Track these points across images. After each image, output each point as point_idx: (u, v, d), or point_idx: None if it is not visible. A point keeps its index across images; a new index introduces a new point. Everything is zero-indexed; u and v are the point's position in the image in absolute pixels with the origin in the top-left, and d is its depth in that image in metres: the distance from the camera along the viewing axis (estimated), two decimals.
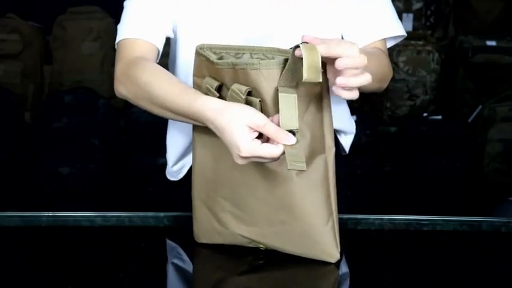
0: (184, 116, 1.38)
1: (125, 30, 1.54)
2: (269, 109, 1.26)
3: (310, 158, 1.28)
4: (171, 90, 1.42)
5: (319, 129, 1.32)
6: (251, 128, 1.24)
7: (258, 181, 1.30)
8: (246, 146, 1.23)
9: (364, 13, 1.55)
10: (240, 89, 1.27)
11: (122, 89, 1.51)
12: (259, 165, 1.29)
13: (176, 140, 1.63)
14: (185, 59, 1.55)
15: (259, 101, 1.26)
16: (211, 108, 1.29)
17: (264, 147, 1.23)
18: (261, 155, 1.23)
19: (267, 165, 1.29)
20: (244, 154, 1.24)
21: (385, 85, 1.59)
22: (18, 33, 3.78)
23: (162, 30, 1.54)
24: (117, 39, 1.55)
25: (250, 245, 1.36)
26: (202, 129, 1.35)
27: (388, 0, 1.59)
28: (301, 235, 1.29)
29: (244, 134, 1.24)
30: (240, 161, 1.26)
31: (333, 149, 1.32)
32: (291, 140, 1.24)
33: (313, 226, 1.28)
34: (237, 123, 1.25)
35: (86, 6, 3.85)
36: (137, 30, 1.53)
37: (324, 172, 1.29)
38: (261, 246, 1.35)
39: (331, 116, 1.33)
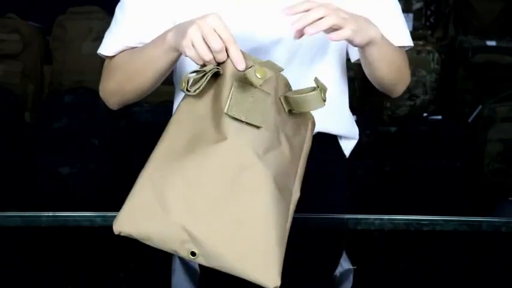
0: (154, 48, 1.39)
1: (114, 47, 1.53)
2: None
3: (286, 179, 1.27)
4: (141, 47, 1.45)
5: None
6: None
7: (229, 175, 1.23)
8: (213, 18, 1.26)
9: (375, 20, 1.55)
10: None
11: (109, 94, 1.53)
12: (237, 161, 1.24)
13: None
14: (183, 69, 1.55)
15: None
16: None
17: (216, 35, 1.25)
18: (219, 28, 1.24)
19: (244, 164, 1.23)
20: (200, 20, 1.25)
21: (401, 86, 1.59)
22: (18, 33, 3.78)
23: None
24: (101, 50, 1.54)
25: (180, 250, 1.22)
26: (182, 114, 1.31)
27: (398, 10, 1.59)
28: (250, 244, 1.20)
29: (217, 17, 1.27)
30: (191, 29, 1.26)
31: (298, 193, 1.30)
32: (241, 65, 1.25)
33: (266, 239, 1.21)
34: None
35: (86, 6, 3.85)
36: (121, 50, 1.53)
37: (291, 203, 1.28)
38: (195, 250, 1.22)
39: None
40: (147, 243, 1.24)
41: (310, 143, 1.35)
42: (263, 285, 1.19)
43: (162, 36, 1.38)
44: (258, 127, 1.24)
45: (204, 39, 1.26)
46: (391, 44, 1.50)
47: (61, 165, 3.47)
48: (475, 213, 3.17)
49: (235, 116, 1.25)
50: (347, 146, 1.68)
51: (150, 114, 3.52)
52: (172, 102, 1.65)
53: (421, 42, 3.76)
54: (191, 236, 1.21)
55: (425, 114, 3.76)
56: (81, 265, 1.34)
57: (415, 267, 1.37)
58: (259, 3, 1.51)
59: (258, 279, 1.19)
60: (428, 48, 3.77)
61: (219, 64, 1.28)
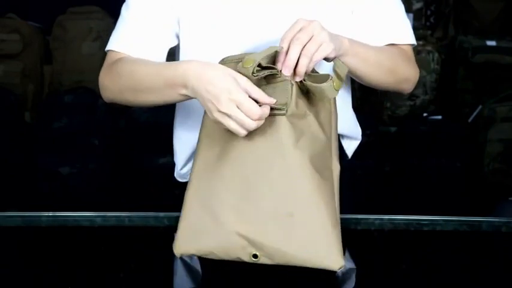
0: (169, 87, 1.38)
1: (119, 42, 1.53)
2: None
3: (323, 158, 1.28)
4: (154, 68, 1.43)
5: (329, 133, 1.33)
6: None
7: (268, 172, 1.26)
8: (238, 90, 1.25)
9: (377, 17, 1.55)
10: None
11: (107, 90, 1.52)
12: (271, 156, 1.26)
13: (184, 143, 1.63)
14: None
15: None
16: (197, 63, 1.32)
17: (250, 100, 1.25)
18: (246, 106, 1.24)
19: (279, 158, 1.26)
20: (234, 96, 1.24)
21: (405, 84, 1.60)
22: (18, 33, 3.78)
23: (158, 45, 1.53)
24: (110, 47, 1.54)
25: (242, 255, 1.26)
26: (209, 127, 1.34)
27: (399, 8, 1.59)
28: (307, 232, 1.24)
29: (235, 82, 1.26)
30: (216, 114, 1.25)
31: (338, 168, 1.33)
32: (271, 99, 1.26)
33: (321, 224, 1.24)
34: (228, 72, 1.27)
35: (86, 6, 3.84)
36: (131, 45, 1.52)
37: (334, 180, 1.31)
38: (256, 252, 1.25)
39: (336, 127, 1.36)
40: (210, 257, 1.26)
41: (337, 115, 1.38)
42: (329, 269, 1.23)
43: (180, 80, 1.36)
44: (284, 113, 1.27)
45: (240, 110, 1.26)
46: (371, 49, 1.49)
47: (61, 165, 3.47)
48: (475, 213, 3.17)
49: None
50: (349, 147, 1.68)
51: (150, 114, 3.51)
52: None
53: (421, 42, 3.76)
54: (249, 240, 1.24)
55: (425, 114, 3.76)
56: (81, 265, 1.34)
57: (415, 267, 1.37)
58: (261, 1, 1.51)
59: (323, 263, 1.23)
60: (428, 48, 3.77)
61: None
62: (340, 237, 1.25)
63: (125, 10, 1.56)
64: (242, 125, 1.25)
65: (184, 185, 1.65)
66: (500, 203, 3.41)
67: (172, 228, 1.52)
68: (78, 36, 3.78)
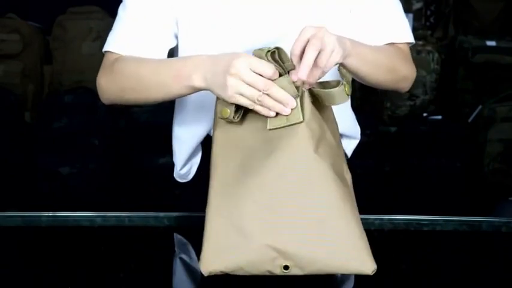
0: (177, 80, 1.38)
1: (118, 44, 1.53)
2: None
3: (339, 165, 1.30)
4: (160, 63, 1.44)
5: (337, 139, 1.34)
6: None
7: (292, 180, 1.25)
8: (250, 57, 1.26)
9: (375, 16, 1.55)
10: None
11: (106, 91, 1.52)
12: (294, 164, 1.25)
13: (182, 143, 1.63)
14: None
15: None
16: (206, 55, 1.34)
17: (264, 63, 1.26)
18: (259, 70, 1.25)
19: (302, 165, 1.26)
20: (241, 61, 1.25)
21: (403, 83, 1.60)
22: (18, 33, 3.78)
23: (157, 47, 1.53)
24: (108, 48, 1.54)
25: (273, 268, 1.24)
26: (223, 142, 1.33)
27: (398, 7, 1.59)
28: (337, 238, 1.23)
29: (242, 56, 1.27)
30: (230, 83, 1.26)
31: (349, 174, 1.35)
32: (292, 103, 1.26)
33: (349, 229, 1.24)
34: (234, 53, 1.29)
35: (86, 6, 3.85)
36: (130, 47, 1.52)
37: (350, 187, 1.32)
38: (287, 263, 1.24)
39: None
40: (240, 273, 1.25)
41: (337, 123, 1.38)
42: (363, 274, 1.23)
43: (184, 73, 1.37)
44: (301, 122, 1.27)
45: (248, 84, 1.26)
46: (370, 49, 1.49)
47: (61, 165, 3.47)
48: (475, 213, 3.17)
49: (278, 127, 1.28)
50: (348, 146, 1.68)
51: (150, 114, 3.52)
52: (172, 103, 1.65)
53: (421, 42, 3.76)
54: (279, 251, 1.23)
55: (425, 114, 3.76)
56: (81, 265, 1.34)
57: (415, 267, 1.37)
58: (260, 1, 1.50)
59: (357, 269, 1.24)
60: (428, 48, 3.77)
61: None
62: (367, 241, 1.25)
63: (122, 11, 1.55)
64: (261, 99, 1.26)
65: (184, 185, 1.66)
66: (500, 203, 3.41)
67: (172, 228, 1.52)
68: (78, 36, 3.78)
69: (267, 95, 1.26)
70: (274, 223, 1.24)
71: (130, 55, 1.50)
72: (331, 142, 1.32)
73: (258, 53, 1.29)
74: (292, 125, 1.27)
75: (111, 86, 1.51)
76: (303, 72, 1.27)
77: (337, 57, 1.32)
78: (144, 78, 1.45)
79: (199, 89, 1.37)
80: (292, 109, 1.27)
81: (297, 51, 1.29)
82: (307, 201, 1.24)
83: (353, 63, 1.43)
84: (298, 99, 1.28)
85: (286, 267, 1.24)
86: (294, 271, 1.24)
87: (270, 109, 1.27)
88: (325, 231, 1.24)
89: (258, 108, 1.28)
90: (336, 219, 1.24)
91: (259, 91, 1.26)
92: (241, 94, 1.27)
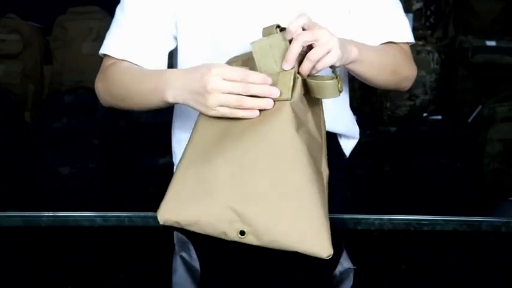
0: (152, 94, 1.40)
1: (117, 47, 1.53)
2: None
3: (317, 158, 1.30)
4: (140, 76, 1.46)
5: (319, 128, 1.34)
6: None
7: (268, 152, 1.26)
8: (219, 67, 1.27)
9: (375, 16, 1.56)
10: None
11: (102, 95, 1.56)
12: (272, 137, 1.27)
13: (183, 144, 1.63)
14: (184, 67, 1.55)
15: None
16: (178, 71, 1.37)
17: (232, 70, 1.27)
18: (233, 77, 1.26)
19: (280, 139, 1.27)
20: (213, 76, 1.26)
21: (405, 83, 1.61)
22: (18, 33, 3.78)
23: (157, 50, 1.53)
24: (106, 51, 1.54)
25: (229, 231, 1.24)
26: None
27: (398, 6, 1.59)
28: (299, 216, 1.23)
29: (208, 71, 1.28)
30: (210, 101, 1.27)
31: (327, 171, 1.34)
32: (275, 92, 1.27)
33: (313, 211, 1.24)
34: (203, 67, 1.31)
35: (86, 6, 3.85)
36: (129, 51, 1.52)
37: (324, 181, 1.32)
38: (244, 229, 1.24)
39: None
40: (193, 229, 1.26)
41: (325, 126, 1.39)
42: (317, 255, 1.23)
43: (159, 88, 1.39)
44: (287, 100, 1.27)
45: (227, 93, 1.27)
46: (375, 52, 1.50)
47: (61, 165, 3.47)
48: (475, 213, 3.17)
49: None
50: (347, 146, 1.68)
51: (150, 114, 3.52)
52: None
53: (421, 42, 3.76)
54: (239, 214, 1.23)
55: (425, 114, 3.76)
56: (81, 265, 1.34)
57: (415, 267, 1.37)
58: (258, 2, 1.50)
59: (311, 249, 1.23)
60: (428, 48, 3.77)
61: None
62: (329, 229, 1.25)
63: (120, 13, 1.54)
64: (239, 103, 1.27)
65: None
66: (500, 203, 3.41)
67: (172, 228, 1.52)
68: (78, 36, 3.78)
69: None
70: (242, 188, 1.24)
71: (124, 62, 1.51)
72: (313, 133, 1.32)
73: (268, 30, 1.31)
74: (279, 100, 1.28)
75: (105, 92, 1.53)
76: (285, 63, 1.29)
77: (333, 59, 1.31)
78: (129, 88, 1.47)
79: (176, 103, 1.39)
80: (283, 87, 1.28)
81: (293, 29, 1.30)
82: (278, 175, 1.25)
83: (359, 69, 1.44)
84: (292, 77, 1.28)
85: (242, 233, 1.24)
86: (249, 238, 1.24)
87: (253, 108, 1.28)
88: (288, 206, 1.24)
89: (241, 114, 1.28)
90: (301, 197, 1.24)
91: (238, 94, 1.27)
92: (221, 105, 1.28)
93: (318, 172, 1.30)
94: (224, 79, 1.27)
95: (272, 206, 1.24)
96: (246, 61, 1.34)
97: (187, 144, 1.33)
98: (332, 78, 1.29)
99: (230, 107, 1.28)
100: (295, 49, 1.28)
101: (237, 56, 1.38)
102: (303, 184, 1.25)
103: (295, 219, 1.24)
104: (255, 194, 1.24)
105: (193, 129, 1.34)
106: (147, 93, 1.42)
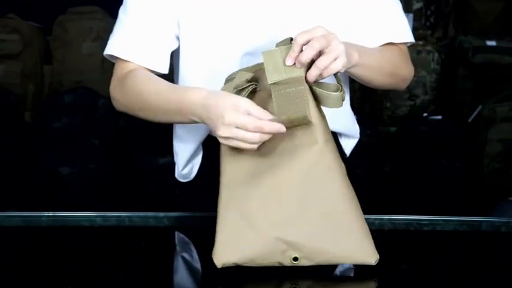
0: (176, 113, 1.40)
1: (121, 47, 1.53)
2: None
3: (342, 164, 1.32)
4: (161, 93, 1.45)
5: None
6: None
7: (300, 174, 1.29)
8: (231, 114, 1.27)
9: (374, 16, 1.56)
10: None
11: (118, 103, 1.55)
12: (302, 160, 1.28)
13: (184, 144, 1.63)
14: (185, 69, 1.55)
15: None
16: (199, 95, 1.35)
17: (248, 117, 1.26)
18: (240, 122, 1.26)
19: (310, 158, 1.29)
20: (226, 119, 1.26)
21: (402, 83, 1.62)
22: (18, 33, 3.78)
23: (160, 50, 1.53)
24: (110, 52, 1.54)
25: (283, 260, 1.27)
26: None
27: (397, 6, 1.59)
28: (343, 230, 1.27)
29: (231, 107, 1.28)
30: (221, 131, 1.27)
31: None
32: (281, 128, 1.27)
33: (355, 222, 1.29)
34: (226, 99, 1.29)
35: (86, 6, 3.84)
36: (133, 51, 1.52)
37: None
38: (296, 255, 1.27)
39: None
40: (251, 264, 1.28)
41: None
42: (366, 263, 1.28)
43: (183, 111, 1.39)
44: (308, 121, 1.29)
45: (240, 140, 1.28)
46: (375, 55, 1.50)
47: (61, 165, 3.47)
48: (475, 213, 3.17)
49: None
50: (347, 145, 1.69)
51: None
52: None
53: (421, 42, 3.76)
54: (288, 243, 1.27)
55: (425, 114, 3.76)
56: (81, 265, 1.34)
57: (415, 267, 1.37)
58: (260, 2, 1.50)
59: (360, 259, 1.28)
60: (428, 48, 3.77)
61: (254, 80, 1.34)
62: (369, 233, 1.30)
63: (123, 13, 1.54)
64: (245, 140, 1.27)
65: (185, 185, 1.66)
66: (500, 203, 3.41)
67: (172, 228, 1.52)
68: (78, 36, 3.78)
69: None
70: (282, 216, 1.27)
71: (140, 70, 1.50)
72: (333, 143, 1.34)
73: (282, 44, 1.31)
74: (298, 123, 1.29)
75: (123, 101, 1.53)
76: (290, 59, 1.28)
77: (339, 66, 1.32)
78: (151, 103, 1.47)
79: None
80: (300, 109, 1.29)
81: (301, 41, 1.30)
82: (312, 195, 1.28)
83: (358, 72, 1.46)
84: (305, 96, 1.29)
85: (295, 259, 1.28)
86: (303, 262, 1.28)
87: (256, 143, 1.29)
88: (330, 223, 1.27)
89: (244, 146, 1.29)
90: (341, 212, 1.28)
91: (249, 131, 1.27)
92: (232, 138, 1.29)
93: (345, 177, 1.31)
94: (237, 127, 1.27)
95: (316, 227, 1.27)
96: (257, 71, 1.35)
97: (220, 184, 1.34)
98: (337, 88, 1.31)
99: (241, 141, 1.29)
100: (307, 55, 1.29)
101: (247, 67, 1.38)
102: (339, 199, 1.29)
103: (339, 234, 1.28)
104: (296, 220, 1.27)
105: (221, 166, 1.35)
106: (170, 111, 1.43)
